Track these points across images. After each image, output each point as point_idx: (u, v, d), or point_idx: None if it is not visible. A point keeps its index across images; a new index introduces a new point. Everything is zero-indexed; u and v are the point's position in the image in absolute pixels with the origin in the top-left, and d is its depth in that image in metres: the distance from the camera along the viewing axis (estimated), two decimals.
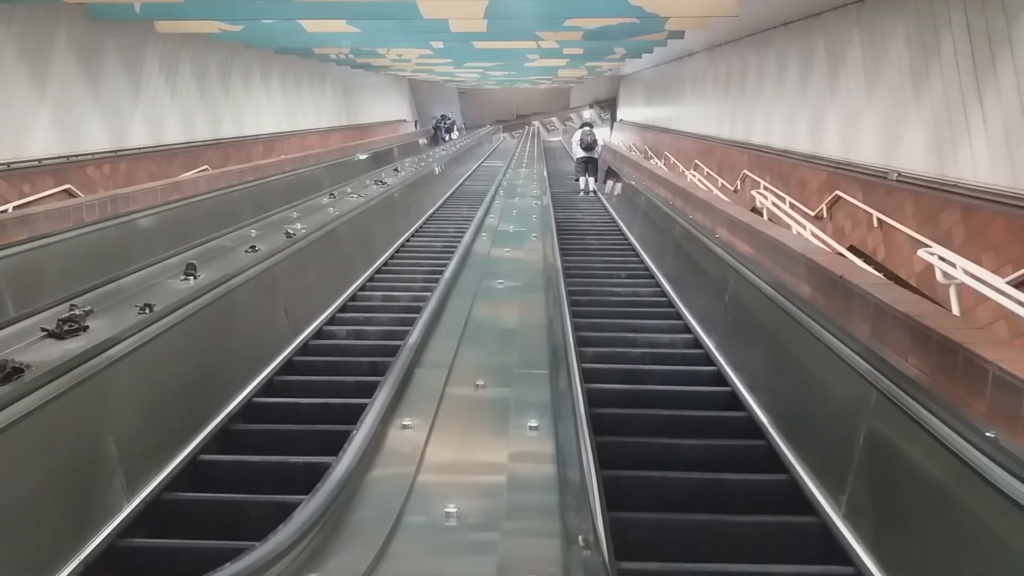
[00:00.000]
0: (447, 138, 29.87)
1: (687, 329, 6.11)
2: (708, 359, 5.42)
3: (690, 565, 2.94)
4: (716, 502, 3.49)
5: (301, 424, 4.26)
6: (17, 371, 2.84)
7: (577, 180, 15.44)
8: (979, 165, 7.30)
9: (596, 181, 15.37)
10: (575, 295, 6.71)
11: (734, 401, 4.62)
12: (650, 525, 3.23)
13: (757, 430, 4.10)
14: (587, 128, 15.75)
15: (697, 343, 5.77)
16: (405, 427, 3.22)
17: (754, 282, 4.89)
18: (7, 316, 4.27)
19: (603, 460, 3.25)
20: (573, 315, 5.46)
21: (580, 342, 5.09)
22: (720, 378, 4.99)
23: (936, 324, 2.86)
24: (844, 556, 3.02)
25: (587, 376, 4.49)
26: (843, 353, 3.40)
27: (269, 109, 17.39)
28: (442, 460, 3.03)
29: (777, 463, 3.74)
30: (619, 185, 13.42)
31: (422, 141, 27.36)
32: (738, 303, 5.27)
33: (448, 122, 32.31)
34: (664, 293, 7.23)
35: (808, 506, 3.41)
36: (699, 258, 6.59)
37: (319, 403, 4.53)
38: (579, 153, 15.54)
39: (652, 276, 7.90)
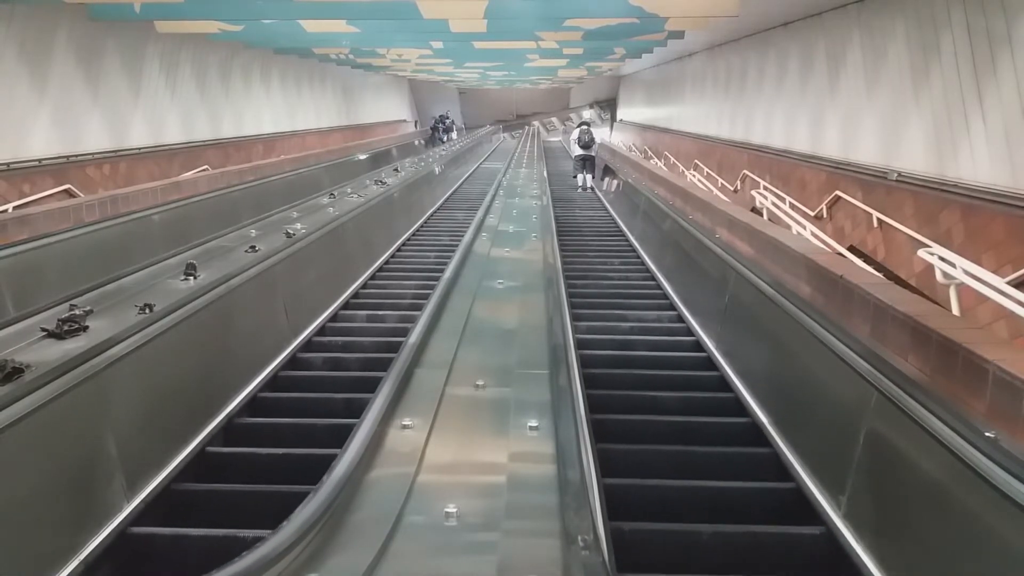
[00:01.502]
0: (445, 139, 29.17)
1: (671, 307, 6.75)
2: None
3: (659, 481, 3.58)
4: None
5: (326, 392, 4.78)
6: (17, 371, 2.84)
7: (575, 177, 16.01)
8: (979, 165, 7.30)
9: (593, 178, 15.90)
10: (571, 278, 7.31)
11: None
12: (628, 454, 3.89)
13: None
14: (584, 127, 16.49)
15: (680, 318, 6.40)
16: (405, 427, 3.22)
17: (754, 281, 4.89)
18: (7, 316, 4.27)
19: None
20: (570, 295, 6.16)
21: (575, 317, 5.72)
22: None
23: (936, 324, 2.86)
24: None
25: (580, 344, 5.06)
26: (843, 353, 3.40)
27: (269, 109, 17.40)
28: (442, 460, 3.02)
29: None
30: (616, 182, 13.94)
31: (418, 142, 27.04)
32: (738, 303, 5.28)
33: (447, 122, 31.39)
34: (653, 277, 7.86)
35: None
36: (694, 252, 6.78)
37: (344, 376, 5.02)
38: (577, 151, 16.16)
39: (643, 263, 8.58)
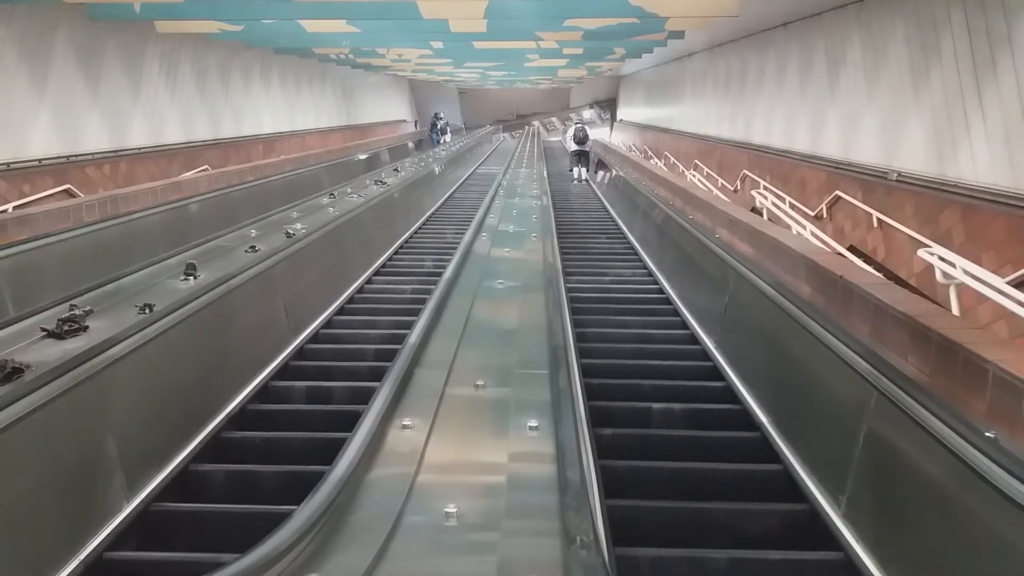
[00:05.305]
0: (440, 140, 28.00)
1: (645, 267, 8.23)
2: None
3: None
4: None
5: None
6: (17, 371, 2.84)
7: (571, 170, 17.85)
8: (979, 165, 7.30)
9: (588, 171, 17.52)
10: (565, 249, 8.82)
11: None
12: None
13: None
14: (579, 125, 18.36)
15: (652, 278, 7.89)
16: (405, 427, 3.22)
17: (751, 279, 4.90)
18: (7, 316, 4.27)
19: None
20: (564, 260, 7.64)
21: (566, 273, 7.13)
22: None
23: (936, 324, 2.86)
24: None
25: (570, 291, 6.50)
26: (843, 353, 3.40)
27: (269, 109, 17.40)
28: (442, 460, 3.02)
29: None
30: (608, 174, 15.47)
31: (410, 144, 26.47)
32: (736, 298, 5.28)
33: (442, 122, 29.72)
34: (633, 249, 9.45)
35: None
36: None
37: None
38: (573, 147, 17.96)
39: (624, 235, 10.50)
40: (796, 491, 3.58)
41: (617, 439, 4.10)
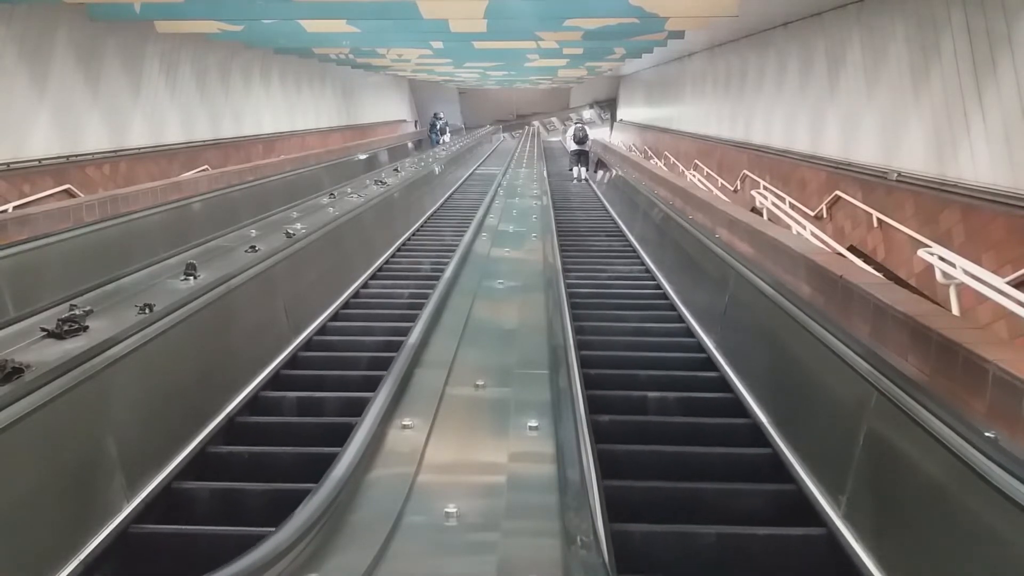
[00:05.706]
0: (440, 140, 27.63)
1: (644, 265, 8.52)
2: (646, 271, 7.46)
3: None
4: None
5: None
6: (17, 371, 2.84)
7: (571, 170, 18.14)
8: (979, 165, 7.30)
9: (587, 171, 17.83)
10: (565, 246, 9.11)
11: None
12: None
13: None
14: (579, 125, 18.63)
15: (649, 274, 8.16)
16: (405, 427, 3.22)
17: (751, 279, 4.90)
18: (7, 316, 4.27)
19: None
20: (563, 257, 7.85)
21: (566, 271, 7.39)
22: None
23: (936, 324, 2.86)
24: None
25: (568, 286, 6.72)
26: (843, 353, 3.40)
27: (269, 109, 17.39)
28: (442, 460, 3.02)
29: None
30: (607, 174, 15.77)
31: (410, 144, 26.38)
32: (734, 300, 5.29)
33: (441, 122, 29.19)
34: (633, 248, 9.64)
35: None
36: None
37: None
38: (572, 146, 18.24)
39: (623, 234, 10.68)
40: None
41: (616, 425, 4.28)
